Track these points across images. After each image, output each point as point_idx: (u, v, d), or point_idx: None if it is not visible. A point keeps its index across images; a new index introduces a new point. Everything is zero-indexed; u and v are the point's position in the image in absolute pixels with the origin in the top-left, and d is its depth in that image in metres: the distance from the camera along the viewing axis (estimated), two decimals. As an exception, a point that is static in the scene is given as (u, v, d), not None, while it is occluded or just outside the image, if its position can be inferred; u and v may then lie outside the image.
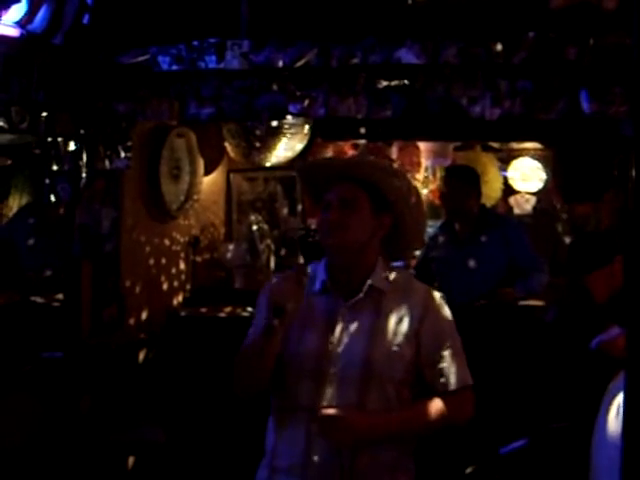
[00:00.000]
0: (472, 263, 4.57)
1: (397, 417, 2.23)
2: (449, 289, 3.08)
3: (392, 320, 2.27)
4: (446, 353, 2.27)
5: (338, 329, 2.26)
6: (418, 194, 2.43)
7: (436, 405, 2.24)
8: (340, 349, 2.24)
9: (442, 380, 2.26)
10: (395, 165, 2.52)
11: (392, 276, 2.34)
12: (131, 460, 4.01)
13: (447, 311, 2.34)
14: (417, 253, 4.77)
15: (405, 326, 2.26)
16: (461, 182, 4.70)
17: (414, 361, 2.26)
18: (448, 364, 2.26)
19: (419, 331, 2.26)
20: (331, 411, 2.15)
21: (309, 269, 2.38)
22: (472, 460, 3.03)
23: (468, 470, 2.98)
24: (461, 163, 5.84)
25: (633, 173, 1.06)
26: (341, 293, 2.31)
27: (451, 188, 4.73)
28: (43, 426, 3.60)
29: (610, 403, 1.70)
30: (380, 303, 2.29)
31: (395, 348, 2.24)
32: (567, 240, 5.76)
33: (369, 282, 2.29)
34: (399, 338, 2.25)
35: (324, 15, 3.24)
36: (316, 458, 2.19)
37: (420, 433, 2.32)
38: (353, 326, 2.27)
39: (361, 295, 2.29)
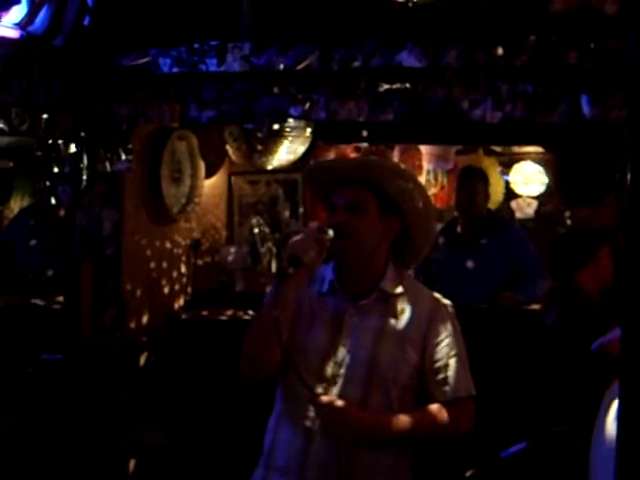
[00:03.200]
0: (470, 265, 4.57)
1: (398, 420, 2.22)
2: (448, 290, 3.07)
3: (399, 325, 2.27)
4: (451, 362, 2.26)
5: (345, 330, 2.26)
6: (427, 196, 2.40)
7: (438, 413, 2.23)
8: (346, 350, 2.24)
9: (445, 389, 2.25)
10: (402, 166, 2.50)
11: (402, 281, 2.33)
12: (132, 463, 4.01)
13: (455, 320, 2.33)
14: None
15: (412, 332, 2.26)
16: (481, 183, 4.77)
17: (419, 367, 2.26)
18: (452, 373, 2.25)
19: (426, 338, 2.26)
20: (334, 400, 2.15)
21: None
22: (472, 463, 3.02)
23: (468, 473, 2.97)
24: (463, 166, 5.83)
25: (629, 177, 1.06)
26: (349, 294, 2.30)
27: (470, 188, 4.75)
28: (43, 429, 3.59)
29: (609, 406, 1.69)
30: (388, 307, 2.28)
31: (401, 353, 2.24)
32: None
33: (379, 286, 2.28)
34: (405, 343, 2.25)
35: (325, 18, 3.24)
36: (314, 459, 2.19)
37: (419, 439, 2.31)
38: (360, 328, 2.26)
39: (370, 298, 2.28)
